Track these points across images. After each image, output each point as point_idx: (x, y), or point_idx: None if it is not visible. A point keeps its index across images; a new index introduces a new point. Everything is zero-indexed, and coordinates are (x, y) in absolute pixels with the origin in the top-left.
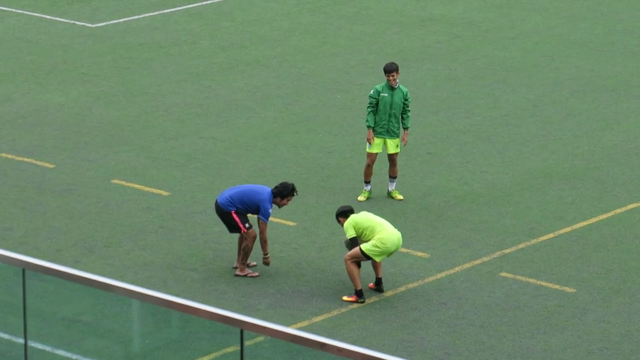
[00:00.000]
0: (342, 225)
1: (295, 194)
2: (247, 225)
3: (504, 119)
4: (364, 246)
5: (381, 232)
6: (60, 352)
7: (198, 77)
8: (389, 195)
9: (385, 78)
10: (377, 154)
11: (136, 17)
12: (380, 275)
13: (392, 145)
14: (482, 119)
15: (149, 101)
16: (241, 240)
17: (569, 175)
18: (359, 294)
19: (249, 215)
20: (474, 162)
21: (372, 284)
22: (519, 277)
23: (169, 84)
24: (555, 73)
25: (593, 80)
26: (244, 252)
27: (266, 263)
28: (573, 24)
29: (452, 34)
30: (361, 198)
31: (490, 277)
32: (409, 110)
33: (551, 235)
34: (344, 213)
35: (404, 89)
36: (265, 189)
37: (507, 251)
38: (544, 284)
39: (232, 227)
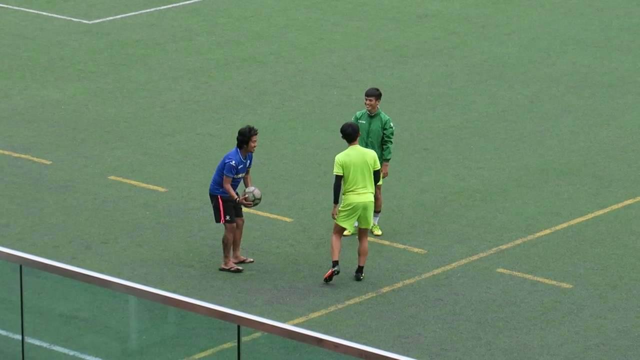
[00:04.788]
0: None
1: (253, 132)
2: (227, 217)
3: (501, 115)
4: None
5: (346, 194)
6: (58, 349)
7: (194, 73)
8: (370, 229)
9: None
10: None
11: (132, 13)
12: (361, 264)
13: None
14: (479, 115)
15: (145, 98)
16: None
17: (565, 171)
18: (333, 264)
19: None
20: (470, 158)
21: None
22: (515, 273)
23: (166, 81)
24: (551, 69)
25: (589, 76)
26: (223, 245)
27: (242, 200)
28: (569, 20)
29: (448, 30)
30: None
31: (487, 273)
32: (389, 141)
33: (548, 231)
34: (346, 135)
35: (385, 118)
36: (231, 150)
37: (503, 247)
38: (541, 280)
39: (216, 215)
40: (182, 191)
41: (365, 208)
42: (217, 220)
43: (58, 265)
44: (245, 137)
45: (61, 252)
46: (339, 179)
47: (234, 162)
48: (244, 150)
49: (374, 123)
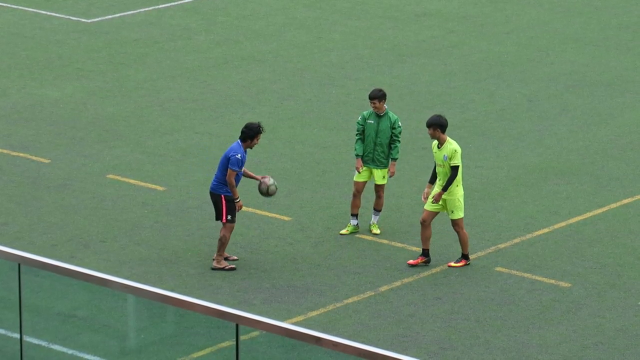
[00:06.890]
0: (432, 135)
1: (262, 129)
2: (229, 217)
3: (499, 114)
4: (454, 216)
5: (459, 185)
6: (56, 347)
7: (193, 72)
8: (369, 227)
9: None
10: (364, 182)
11: (131, 12)
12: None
13: (379, 176)
14: (477, 114)
15: (144, 96)
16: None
17: (564, 170)
18: (467, 257)
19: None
20: (469, 157)
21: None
22: (514, 272)
23: (164, 79)
24: (550, 68)
25: (588, 75)
26: (220, 243)
27: (239, 207)
28: (568, 19)
29: (447, 28)
30: (344, 231)
31: (486, 271)
32: (398, 141)
33: (546, 230)
34: (442, 126)
35: (393, 117)
36: (232, 145)
37: (502, 246)
38: (539, 278)
39: (218, 213)
40: (181, 190)
41: None
42: (218, 218)
43: (56, 264)
44: (252, 132)
45: (60, 251)
46: (457, 168)
47: (239, 155)
48: (247, 144)
49: (382, 122)
